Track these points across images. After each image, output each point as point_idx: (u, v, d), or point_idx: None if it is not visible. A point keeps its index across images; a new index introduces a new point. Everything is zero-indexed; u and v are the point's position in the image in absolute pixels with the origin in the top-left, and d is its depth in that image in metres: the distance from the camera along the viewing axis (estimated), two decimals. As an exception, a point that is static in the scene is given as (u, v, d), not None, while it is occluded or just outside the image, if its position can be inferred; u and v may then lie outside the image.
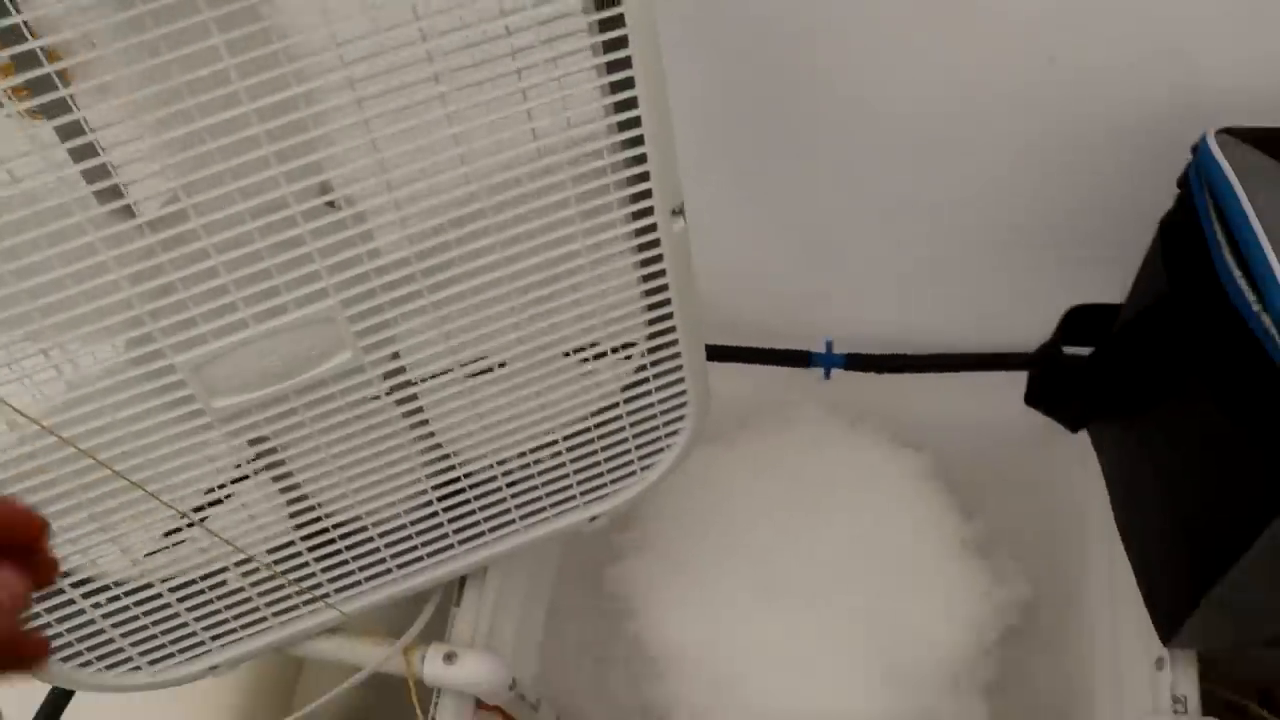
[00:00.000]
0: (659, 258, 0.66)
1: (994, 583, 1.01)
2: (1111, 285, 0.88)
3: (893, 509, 1.02)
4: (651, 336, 0.72)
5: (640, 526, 1.08)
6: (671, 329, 0.71)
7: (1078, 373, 0.77)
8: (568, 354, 0.72)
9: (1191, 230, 0.67)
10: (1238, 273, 0.62)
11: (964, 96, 0.89)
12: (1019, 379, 1.01)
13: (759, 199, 1.03)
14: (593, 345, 0.72)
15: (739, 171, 0.99)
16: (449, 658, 0.81)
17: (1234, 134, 0.69)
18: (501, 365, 0.74)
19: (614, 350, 0.72)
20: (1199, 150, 0.70)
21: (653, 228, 0.64)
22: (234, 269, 0.57)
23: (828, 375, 1.07)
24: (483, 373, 0.73)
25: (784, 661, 0.95)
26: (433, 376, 0.70)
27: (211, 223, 0.55)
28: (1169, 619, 0.77)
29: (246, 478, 0.72)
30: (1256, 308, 0.60)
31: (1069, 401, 0.81)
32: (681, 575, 1.00)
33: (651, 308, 0.69)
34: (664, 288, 0.68)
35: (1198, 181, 0.69)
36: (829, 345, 1.07)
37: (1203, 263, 0.65)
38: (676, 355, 0.73)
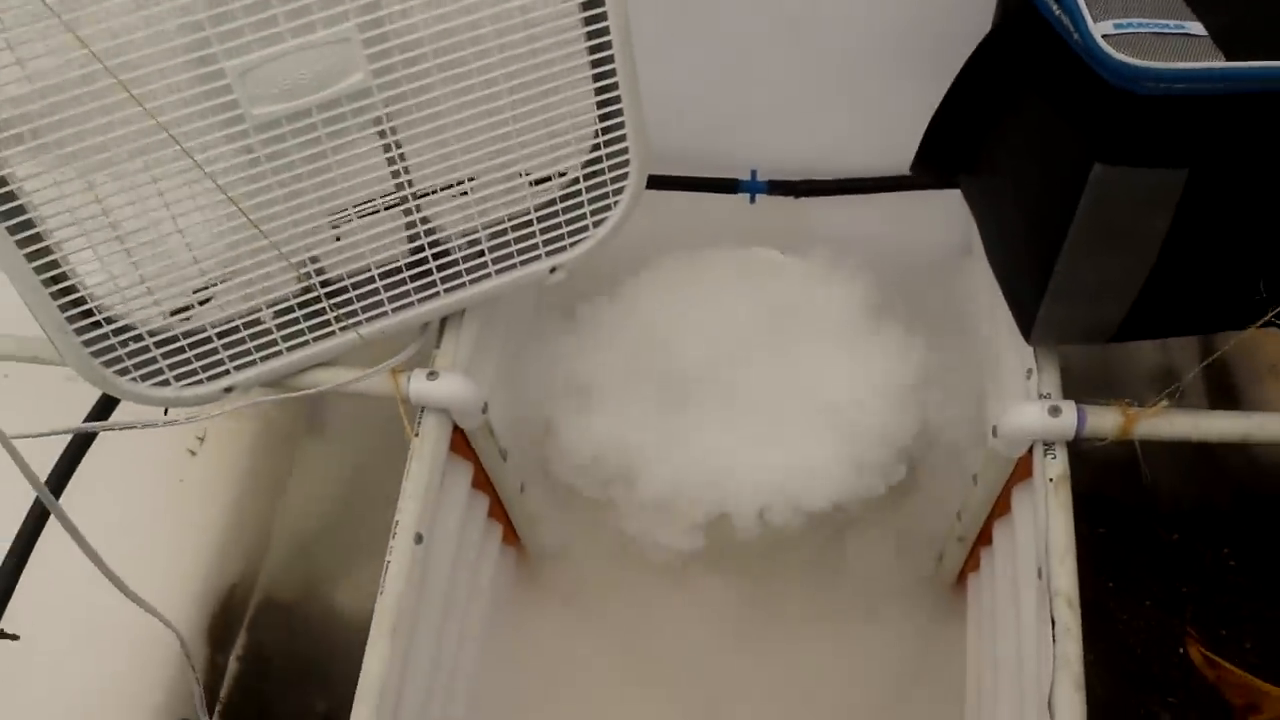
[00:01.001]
0: (603, 15, 0.84)
1: (909, 345, 1.21)
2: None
3: (815, 297, 1.21)
4: (599, 90, 0.90)
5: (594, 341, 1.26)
6: (615, 85, 0.89)
7: (940, 126, 0.94)
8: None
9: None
10: None
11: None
12: (928, 199, 1.18)
13: (671, 23, 1.19)
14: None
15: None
16: (430, 375, 0.98)
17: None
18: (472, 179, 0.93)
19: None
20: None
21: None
22: (276, -15, 0.75)
23: (753, 200, 1.26)
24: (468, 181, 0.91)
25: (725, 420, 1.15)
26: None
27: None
28: (1025, 314, 0.92)
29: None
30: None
31: (938, 156, 0.98)
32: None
33: (596, 63, 0.87)
34: (608, 44, 0.86)
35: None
36: (754, 173, 1.25)
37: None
38: (619, 112, 0.91)
